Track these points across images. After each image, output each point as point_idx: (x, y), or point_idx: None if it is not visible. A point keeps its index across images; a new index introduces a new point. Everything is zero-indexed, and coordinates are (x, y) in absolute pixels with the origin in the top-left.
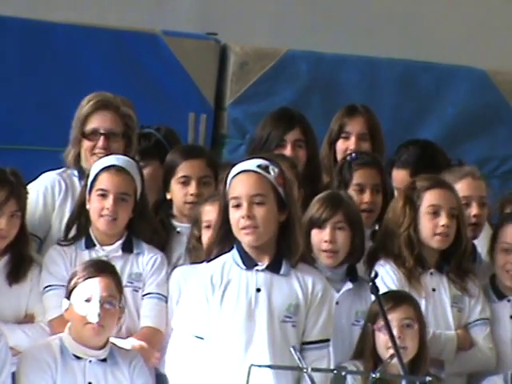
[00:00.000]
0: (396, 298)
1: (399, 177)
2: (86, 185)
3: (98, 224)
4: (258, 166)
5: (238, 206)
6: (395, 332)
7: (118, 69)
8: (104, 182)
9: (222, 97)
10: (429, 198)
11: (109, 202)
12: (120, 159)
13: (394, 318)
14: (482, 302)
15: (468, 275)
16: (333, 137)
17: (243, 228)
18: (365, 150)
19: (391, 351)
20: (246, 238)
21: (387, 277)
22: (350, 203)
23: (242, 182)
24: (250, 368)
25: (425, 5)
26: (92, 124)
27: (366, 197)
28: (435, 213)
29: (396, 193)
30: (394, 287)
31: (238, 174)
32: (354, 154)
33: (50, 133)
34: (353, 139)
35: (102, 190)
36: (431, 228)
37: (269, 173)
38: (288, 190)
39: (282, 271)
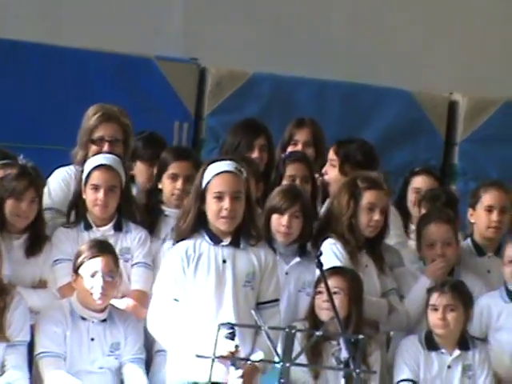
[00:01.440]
0: (333, 271)
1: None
2: (80, 179)
3: (93, 211)
4: (236, 168)
5: (219, 198)
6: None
7: (117, 85)
8: (95, 178)
9: (201, 109)
10: (368, 197)
11: (100, 194)
12: (107, 158)
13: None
14: (391, 275)
15: (383, 257)
16: (284, 143)
17: (223, 217)
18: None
19: (327, 312)
20: (224, 225)
21: (336, 251)
22: (305, 196)
23: (225, 180)
24: (218, 327)
25: (364, 35)
26: (99, 133)
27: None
28: (371, 209)
29: (339, 186)
30: (339, 262)
31: (220, 173)
32: (287, 153)
33: (61, 135)
34: (299, 146)
35: (94, 185)
36: (367, 221)
37: (242, 174)
38: (249, 186)
39: (241, 246)
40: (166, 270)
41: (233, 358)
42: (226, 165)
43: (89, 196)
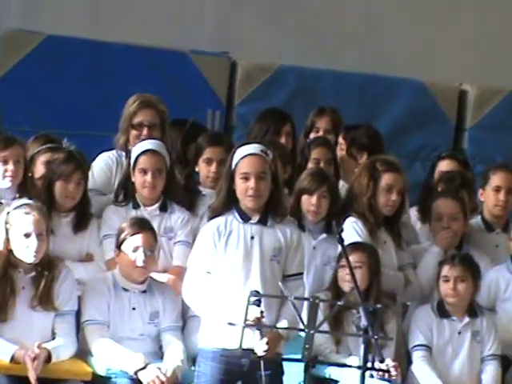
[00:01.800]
0: (356, 248)
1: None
2: (129, 164)
3: (142, 193)
4: (261, 151)
5: (246, 178)
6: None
7: (156, 77)
8: (143, 162)
9: (232, 98)
10: (386, 179)
11: (148, 177)
12: (153, 143)
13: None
14: (408, 250)
15: (401, 234)
16: (307, 130)
17: (250, 196)
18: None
19: (349, 284)
20: (250, 203)
21: (357, 229)
22: (331, 178)
23: (250, 162)
24: (250, 294)
25: (379, 29)
26: (138, 118)
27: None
28: (389, 190)
29: (359, 168)
30: (359, 238)
31: (246, 155)
32: (312, 138)
33: (105, 123)
34: (321, 132)
35: (142, 169)
36: (385, 201)
37: (268, 156)
38: (276, 168)
39: (268, 224)
40: (200, 244)
41: (259, 325)
42: (251, 148)
43: (137, 179)
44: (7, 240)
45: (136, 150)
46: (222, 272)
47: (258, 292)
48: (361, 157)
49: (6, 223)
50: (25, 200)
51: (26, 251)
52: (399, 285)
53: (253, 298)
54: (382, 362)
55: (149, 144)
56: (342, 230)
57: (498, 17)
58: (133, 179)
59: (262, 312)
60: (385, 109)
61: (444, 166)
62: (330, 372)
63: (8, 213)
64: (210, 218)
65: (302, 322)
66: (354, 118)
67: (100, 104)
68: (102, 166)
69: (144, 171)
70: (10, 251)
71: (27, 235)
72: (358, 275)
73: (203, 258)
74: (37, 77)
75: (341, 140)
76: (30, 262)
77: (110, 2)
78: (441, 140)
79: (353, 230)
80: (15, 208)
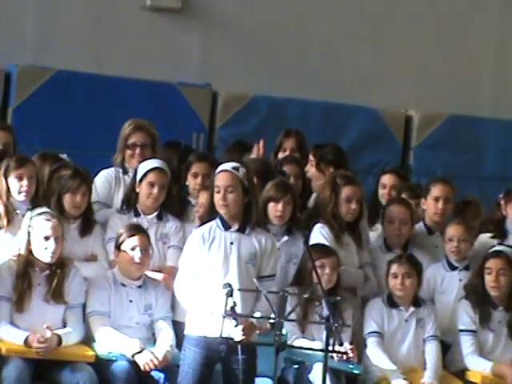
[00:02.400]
0: (320, 251)
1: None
2: (135, 177)
3: (146, 203)
4: (232, 167)
5: (218, 191)
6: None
7: (148, 105)
8: (152, 177)
9: (214, 123)
10: (346, 191)
11: (155, 190)
12: (160, 162)
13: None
14: (367, 250)
15: (361, 236)
16: (276, 150)
17: (219, 206)
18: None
19: (399, 292)
20: (221, 211)
21: (325, 234)
22: (293, 188)
23: (221, 177)
24: (223, 286)
25: (338, 64)
26: (132, 139)
27: (294, 184)
28: (348, 201)
29: (322, 183)
30: (326, 241)
31: (220, 171)
32: (284, 156)
33: (105, 144)
34: (288, 152)
35: (150, 182)
36: (346, 210)
37: (238, 172)
38: (250, 182)
39: (246, 232)
40: (188, 248)
41: (235, 315)
42: (224, 165)
43: (144, 190)
44: (28, 242)
45: (145, 166)
46: (206, 272)
47: (230, 285)
48: (328, 171)
49: (29, 227)
50: (45, 209)
51: (45, 252)
52: (360, 280)
53: (225, 290)
54: (341, 345)
55: (157, 162)
56: (308, 238)
57: (439, 54)
58: (137, 190)
59: (234, 302)
60: (344, 131)
61: (386, 179)
62: (298, 355)
63: (31, 218)
64: (198, 226)
65: (274, 312)
66: (318, 139)
67: (100, 128)
68: (103, 181)
69: (152, 185)
70: (30, 252)
71: (47, 238)
72: (326, 274)
73: (190, 260)
74: (48, 105)
75: (311, 157)
76: (48, 261)
77: (110, 42)
78: (390, 157)
79: (320, 234)
80: (37, 215)
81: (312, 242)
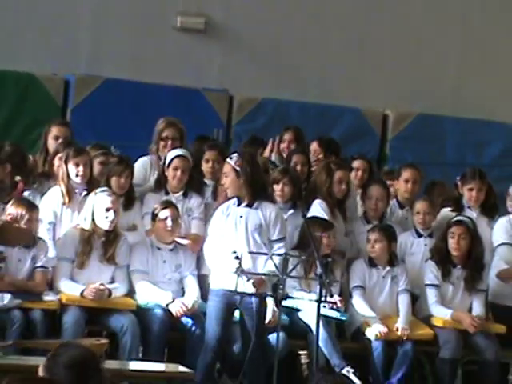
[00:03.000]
0: (325, 224)
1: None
2: (164, 163)
3: (173, 183)
4: (230, 158)
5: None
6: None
7: (179, 106)
8: (176, 163)
9: (230, 121)
10: (338, 175)
11: (178, 173)
12: (182, 151)
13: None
14: (350, 222)
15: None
16: (278, 141)
17: (223, 189)
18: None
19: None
20: (227, 193)
21: (323, 208)
22: (292, 172)
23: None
24: (231, 252)
25: (332, 73)
26: (164, 133)
27: (300, 169)
28: (340, 182)
29: (319, 167)
30: (324, 214)
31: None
32: (293, 149)
33: (144, 137)
34: (286, 143)
35: (175, 167)
36: (338, 190)
37: (231, 159)
38: (242, 167)
39: (254, 206)
40: (213, 220)
41: (245, 273)
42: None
43: (170, 173)
44: (92, 213)
45: (171, 154)
46: (224, 239)
47: (235, 252)
48: (330, 158)
49: (94, 202)
50: (106, 188)
51: (105, 221)
52: (347, 246)
53: (234, 255)
54: (331, 296)
55: (180, 151)
56: (305, 214)
57: (410, 62)
58: (166, 173)
59: (239, 263)
60: (334, 127)
61: (355, 164)
62: (297, 304)
63: (95, 194)
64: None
65: (278, 270)
66: (314, 134)
67: (139, 124)
68: (140, 167)
69: (176, 169)
70: (93, 221)
71: (107, 209)
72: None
73: (214, 229)
74: (98, 107)
75: (317, 147)
76: (107, 229)
77: (148, 55)
78: (370, 148)
79: (320, 208)
80: (101, 191)
81: (312, 213)
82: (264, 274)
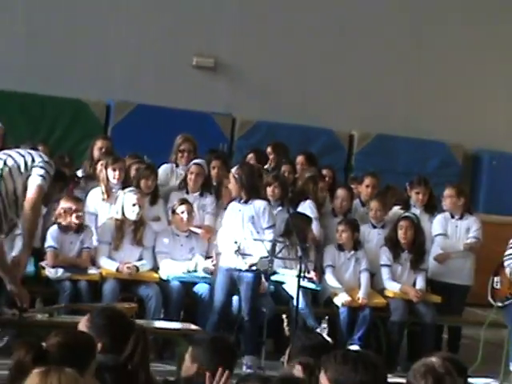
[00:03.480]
0: (309, 220)
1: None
2: (187, 169)
3: (191, 184)
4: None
5: None
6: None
7: (193, 126)
8: (193, 169)
9: (233, 138)
10: (321, 185)
11: (193, 176)
12: (200, 160)
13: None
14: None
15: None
16: (267, 153)
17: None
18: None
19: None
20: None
21: (312, 207)
22: (283, 179)
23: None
24: (233, 241)
25: (309, 98)
26: (182, 147)
27: (287, 176)
28: (322, 191)
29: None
30: (315, 213)
31: None
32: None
33: (163, 149)
34: (271, 155)
35: (191, 172)
36: (321, 196)
37: (233, 170)
38: (240, 175)
39: (248, 203)
40: (225, 214)
41: (242, 254)
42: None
43: (189, 177)
44: (122, 208)
45: (191, 163)
46: (228, 227)
47: (236, 242)
48: (311, 168)
49: (123, 199)
50: (133, 188)
51: (132, 213)
52: (322, 236)
53: (234, 242)
54: (308, 272)
55: (197, 160)
56: (292, 212)
57: (371, 92)
58: (187, 178)
59: (238, 247)
60: (313, 143)
61: (324, 172)
62: (282, 278)
63: (125, 193)
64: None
65: (268, 253)
66: (298, 150)
67: (163, 139)
68: (162, 171)
69: (192, 173)
70: (123, 214)
71: (134, 204)
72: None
73: (224, 221)
74: (132, 126)
75: (302, 159)
76: (134, 219)
77: (170, 85)
78: (340, 160)
79: (310, 208)
80: (128, 191)
81: (304, 211)
82: (260, 258)
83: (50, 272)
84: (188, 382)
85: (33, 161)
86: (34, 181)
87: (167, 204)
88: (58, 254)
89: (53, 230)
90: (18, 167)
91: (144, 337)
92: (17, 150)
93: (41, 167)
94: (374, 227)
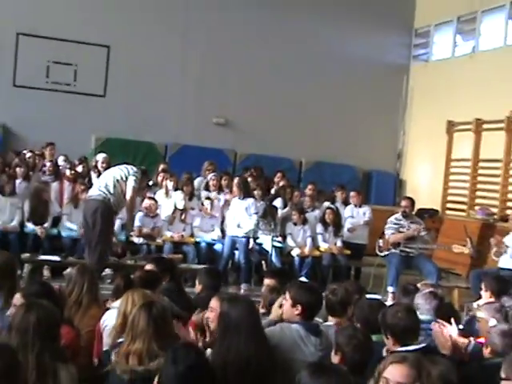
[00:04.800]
0: (272, 209)
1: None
2: (210, 179)
3: (211, 188)
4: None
5: None
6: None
7: (212, 157)
8: (213, 179)
9: (235, 163)
10: (294, 196)
11: (214, 184)
12: (215, 173)
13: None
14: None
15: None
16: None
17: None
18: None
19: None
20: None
21: (281, 203)
22: (264, 187)
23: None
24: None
25: (277, 136)
26: (208, 168)
27: (265, 184)
28: (292, 194)
29: (281, 187)
30: (281, 205)
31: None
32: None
33: (198, 170)
34: (254, 173)
35: (213, 180)
36: (290, 197)
37: (235, 180)
38: (238, 183)
39: (244, 199)
40: (231, 206)
41: (239, 227)
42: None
43: (210, 183)
44: (175, 202)
45: (211, 175)
46: (232, 212)
47: (239, 224)
48: (285, 179)
49: (175, 197)
50: (179, 190)
51: (181, 205)
52: (289, 216)
53: (235, 221)
54: (277, 237)
55: (214, 173)
56: (268, 203)
57: (315, 134)
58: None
59: (238, 223)
60: (279, 166)
61: (283, 182)
62: (262, 240)
63: (175, 194)
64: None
65: (254, 226)
66: (274, 169)
67: (198, 164)
68: (197, 182)
69: (212, 181)
70: (175, 205)
71: (181, 200)
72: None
73: (231, 209)
74: (180, 156)
75: (279, 175)
76: (181, 208)
77: (198, 134)
78: (295, 175)
79: (280, 203)
80: (178, 193)
81: (276, 204)
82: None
83: (135, 239)
84: (198, 296)
85: (128, 172)
86: (131, 184)
87: (199, 199)
88: (141, 229)
89: (139, 215)
90: (121, 177)
91: (177, 271)
92: (119, 166)
93: (133, 175)
94: (312, 211)
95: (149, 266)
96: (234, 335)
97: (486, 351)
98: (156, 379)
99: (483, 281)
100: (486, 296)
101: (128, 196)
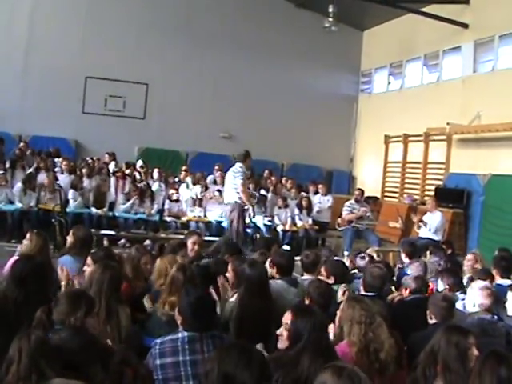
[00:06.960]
0: (262, 197)
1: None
2: (216, 176)
3: (218, 181)
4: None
5: None
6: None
7: (221, 161)
8: (219, 175)
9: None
10: (280, 185)
11: (220, 179)
12: (221, 173)
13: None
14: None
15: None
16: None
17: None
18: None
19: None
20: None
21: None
22: (257, 181)
23: None
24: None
25: (263, 144)
26: (217, 168)
27: (255, 181)
28: (278, 188)
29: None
30: (268, 195)
31: None
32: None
33: (210, 169)
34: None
35: (217, 176)
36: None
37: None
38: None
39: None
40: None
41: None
42: None
43: (217, 179)
44: (195, 193)
45: (217, 173)
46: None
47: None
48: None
49: (196, 189)
50: (200, 184)
51: (199, 194)
52: (275, 203)
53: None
54: (267, 217)
55: (220, 172)
56: (259, 194)
57: (301, 139)
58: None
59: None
60: (266, 167)
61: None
62: (256, 220)
63: (194, 186)
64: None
65: (251, 211)
66: (263, 168)
67: (209, 166)
68: (209, 178)
69: (218, 177)
70: (195, 195)
71: (201, 191)
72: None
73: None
74: (197, 161)
75: (267, 173)
76: (199, 197)
77: (211, 145)
78: (278, 174)
79: (266, 192)
80: (196, 186)
81: (263, 193)
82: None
83: (167, 219)
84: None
85: (236, 173)
86: (239, 181)
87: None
88: (170, 212)
89: (167, 202)
90: (234, 177)
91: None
92: (232, 169)
93: (240, 173)
94: (291, 199)
95: (193, 238)
96: (248, 290)
97: (405, 293)
98: (177, 308)
99: (401, 246)
100: (402, 257)
101: (241, 190)
